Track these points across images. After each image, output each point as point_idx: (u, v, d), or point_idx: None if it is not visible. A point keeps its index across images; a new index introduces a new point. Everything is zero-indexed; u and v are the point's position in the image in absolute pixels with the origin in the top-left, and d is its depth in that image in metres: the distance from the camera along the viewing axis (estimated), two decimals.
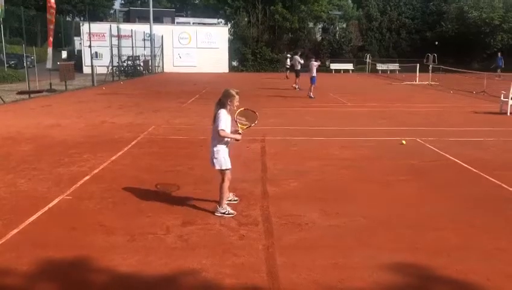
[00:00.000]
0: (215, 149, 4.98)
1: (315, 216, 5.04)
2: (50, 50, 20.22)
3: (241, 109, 5.25)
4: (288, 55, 35.08)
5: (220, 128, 4.86)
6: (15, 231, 4.53)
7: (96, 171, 6.84)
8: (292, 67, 23.86)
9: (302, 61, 23.26)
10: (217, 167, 5.01)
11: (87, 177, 6.49)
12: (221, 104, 4.96)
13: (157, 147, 8.64)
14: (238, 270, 3.76)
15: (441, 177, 6.81)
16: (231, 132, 5.01)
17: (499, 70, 31.72)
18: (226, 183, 5.05)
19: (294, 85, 22.84)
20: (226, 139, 4.97)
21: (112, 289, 3.52)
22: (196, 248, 4.19)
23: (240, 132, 5.10)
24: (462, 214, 5.22)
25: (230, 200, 5.32)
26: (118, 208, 5.23)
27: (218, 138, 4.93)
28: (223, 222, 4.82)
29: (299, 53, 25.54)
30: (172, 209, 5.22)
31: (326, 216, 5.06)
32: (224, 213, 4.99)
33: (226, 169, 5.01)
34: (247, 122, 5.26)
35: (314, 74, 19.29)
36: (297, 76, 22.96)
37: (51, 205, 5.32)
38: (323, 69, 45.09)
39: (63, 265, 3.86)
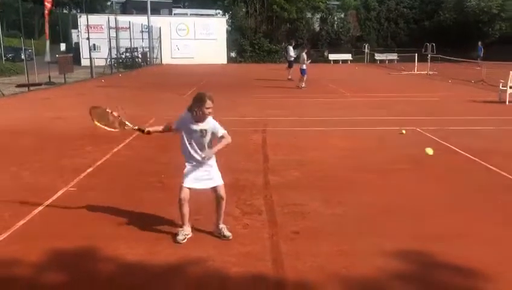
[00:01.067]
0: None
1: (317, 205, 5.10)
2: (48, 43, 20.19)
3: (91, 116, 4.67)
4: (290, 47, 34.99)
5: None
6: (22, 222, 4.59)
7: (99, 162, 6.89)
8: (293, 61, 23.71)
9: (293, 54, 23.21)
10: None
11: (90, 169, 6.54)
12: (189, 108, 4.20)
13: (159, 139, 8.63)
14: (244, 258, 3.83)
15: (441, 166, 6.88)
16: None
17: (478, 59, 31.47)
18: (178, 201, 4.21)
19: (289, 77, 22.72)
20: (189, 150, 4.19)
21: (120, 277, 3.58)
22: (202, 237, 4.25)
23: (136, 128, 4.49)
24: (461, 202, 5.29)
25: (220, 232, 4.30)
26: (122, 199, 5.28)
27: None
28: (227, 211, 4.87)
29: (293, 44, 25.43)
30: (175, 200, 5.26)
31: (328, 205, 5.12)
32: (177, 235, 4.20)
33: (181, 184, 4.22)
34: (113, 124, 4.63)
35: (305, 66, 19.29)
36: (290, 66, 22.94)
37: (55, 196, 5.38)
38: (322, 59, 45.09)
39: (71, 255, 3.92)
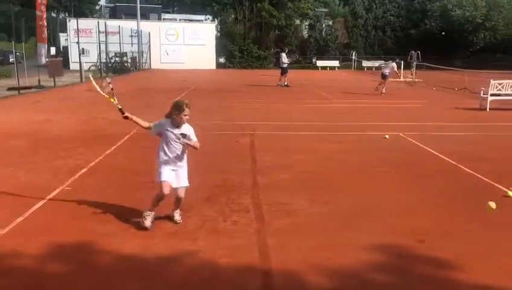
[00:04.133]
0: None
1: (303, 204, 5.39)
2: (43, 46, 20.28)
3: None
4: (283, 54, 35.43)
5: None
6: (20, 218, 4.79)
7: (92, 163, 7.10)
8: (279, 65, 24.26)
9: (286, 61, 23.72)
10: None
11: (84, 170, 6.74)
12: (167, 114, 4.65)
13: (151, 141, 8.82)
14: (232, 251, 4.08)
15: (421, 169, 7.22)
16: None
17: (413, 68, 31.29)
18: (157, 194, 4.61)
19: (284, 82, 23.01)
20: (166, 152, 4.60)
21: (115, 268, 3.81)
22: (192, 232, 4.50)
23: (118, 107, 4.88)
24: (438, 202, 5.61)
25: (172, 216, 4.80)
26: (116, 198, 5.50)
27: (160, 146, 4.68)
28: (217, 209, 5.14)
29: (286, 50, 25.89)
30: (168, 198, 5.50)
31: (314, 204, 5.41)
32: (144, 219, 4.56)
33: (160, 180, 4.61)
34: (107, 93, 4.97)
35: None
36: (284, 73, 23.28)
37: (51, 195, 5.58)
38: (310, 66, 45.61)
39: (68, 248, 4.14)
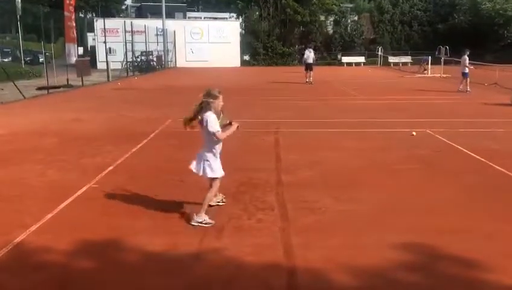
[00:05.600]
0: (208, 155, 4.68)
1: (328, 202, 5.35)
2: (73, 46, 20.74)
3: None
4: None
5: (215, 130, 4.55)
6: (50, 215, 4.91)
7: (119, 161, 7.22)
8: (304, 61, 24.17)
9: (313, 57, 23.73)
10: (210, 175, 4.69)
11: (111, 168, 6.86)
12: (207, 105, 4.63)
13: (175, 140, 8.99)
14: (257, 249, 4.09)
15: (449, 166, 7.07)
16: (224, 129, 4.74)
17: (425, 63, 30.25)
18: (213, 193, 4.82)
19: (309, 79, 22.86)
20: (218, 145, 4.72)
21: (142, 264, 3.87)
22: (218, 230, 4.52)
23: (232, 122, 4.87)
24: (467, 200, 5.49)
25: (218, 202, 5.19)
26: (142, 196, 5.58)
27: (212, 143, 4.67)
28: (242, 207, 5.16)
29: (312, 47, 25.81)
30: (193, 196, 5.54)
31: (339, 202, 5.37)
32: (201, 223, 4.62)
33: (217, 177, 4.75)
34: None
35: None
36: (310, 70, 23.10)
37: (79, 192, 5.70)
38: (335, 62, 45.25)
39: (97, 244, 4.22)
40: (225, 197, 5.33)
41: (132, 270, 3.77)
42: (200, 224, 4.60)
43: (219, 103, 4.68)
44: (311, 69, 22.92)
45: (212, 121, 4.55)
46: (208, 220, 4.65)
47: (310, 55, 23.22)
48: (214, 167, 4.67)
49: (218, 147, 4.74)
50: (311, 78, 22.66)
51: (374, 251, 4.08)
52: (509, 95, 14.73)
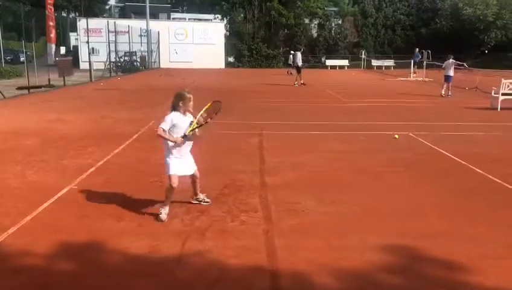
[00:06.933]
0: (166, 153, 4.86)
1: (311, 204, 5.35)
2: (52, 46, 20.44)
3: (208, 104, 5.10)
4: (292, 52, 35.62)
5: (160, 126, 4.72)
6: (29, 217, 4.81)
7: (100, 163, 7.12)
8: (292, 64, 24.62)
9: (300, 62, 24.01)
10: (166, 171, 4.87)
11: (92, 169, 6.77)
12: (173, 106, 4.82)
13: (158, 141, 8.90)
14: (240, 251, 4.07)
15: (431, 169, 7.14)
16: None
17: (415, 66, 30.43)
18: (168, 189, 4.84)
19: (301, 82, 23.01)
20: (173, 143, 4.75)
21: (123, 267, 3.81)
22: (200, 232, 4.49)
23: (186, 133, 4.78)
24: (448, 203, 5.54)
25: (200, 201, 5.24)
26: (124, 197, 5.51)
27: (165, 141, 4.79)
28: (225, 209, 5.13)
29: (302, 50, 26.09)
30: (176, 198, 5.50)
31: (322, 204, 5.37)
32: (160, 213, 4.80)
33: (169, 174, 4.81)
34: (203, 120, 4.91)
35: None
36: (299, 72, 23.31)
37: (60, 194, 5.60)
38: (319, 65, 45.50)
39: (77, 247, 4.15)
40: (207, 196, 5.34)
41: (113, 273, 3.71)
42: (159, 214, 4.80)
43: (188, 103, 4.81)
44: (299, 72, 23.23)
45: (165, 119, 4.76)
46: (163, 216, 4.79)
47: (299, 58, 23.67)
48: (167, 164, 4.83)
49: (178, 148, 4.79)
50: (301, 80, 22.87)
51: (357, 253, 4.09)
52: (489, 99, 14.97)
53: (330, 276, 3.69)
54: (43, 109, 13.39)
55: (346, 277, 3.70)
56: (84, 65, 31.30)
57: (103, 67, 27.68)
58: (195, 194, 5.23)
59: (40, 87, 18.69)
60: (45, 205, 5.21)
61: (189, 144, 4.92)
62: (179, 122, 4.80)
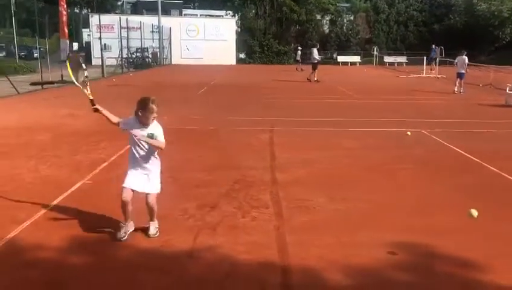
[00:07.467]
0: None
1: (322, 201, 5.34)
2: (66, 41, 20.63)
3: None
4: (299, 48, 35.62)
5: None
6: (42, 211, 4.87)
7: (113, 158, 7.17)
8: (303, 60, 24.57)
9: (318, 57, 23.90)
10: None
11: (105, 164, 6.82)
12: (135, 113, 4.18)
13: (170, 137, 8.90)
14: (251, 247, 4.08)
15: (444, 166, 7.09)
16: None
17: (433, 62, 29.98)
18: (121, 201, 4.20)
19: (315, 78, 22.91)
20: (132, 154, 4.24)
21: (135, 262, 3.84)
22: (211, 227, 4.51)
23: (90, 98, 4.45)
24: (461, 200, 5.48)
25: (148, 232, 4.32)
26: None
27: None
28: (236, 205, 5.14)
29: (318, 46, 26.00)
30: (187, 193, 5.54)
31: (333, 201, 5.36)
32: (117, 232, 4.22)
33: (122, 185, 4.22)
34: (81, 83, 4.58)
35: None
36: (314, 68, 23.20)
37: (73, 188, 5.66)
38: (330, 61, 45.32)
39: (90, 241, 4.19)
40: (157, 229, 4.34)
41: (125, 267, 3.74)
42: (116, 234, 4.19)
43: (147, 115, 4.08)
44: (315, 68, 23.10)
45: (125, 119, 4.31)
46: (119, 234, 4.17)
47: (316, 53, 23.70)
48: (126, 173, 4.27)
49: (138, 157, 4.21)
50: (315, 77, 22.78)
51: (368, 250, 4.07)
52: (504, 96, 14.79)
53: (341, 272, 3.68)
54: (56, 104, 13.53)
55: (357, 274, 3.69)
56: (96, 61, 31.52)
57: (115, 63, 27.84)
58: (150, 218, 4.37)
59: (53, 83, 18.87)
60: (58, 199, 5.27)
61: (145, 157, 4.21)
62: (131, 129, 4.16)
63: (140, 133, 4.11)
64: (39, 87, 17.73)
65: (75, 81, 4.67)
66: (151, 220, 4.35)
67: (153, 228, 4.32)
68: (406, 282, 3.62)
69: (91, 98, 4.48)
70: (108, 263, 3.81)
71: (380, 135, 9.41)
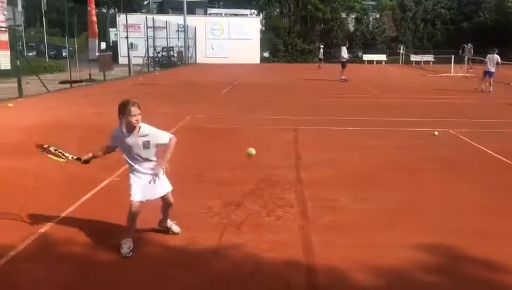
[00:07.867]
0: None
1: (347, 201, 5.31)
2: (95, 40, 21.06)
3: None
4: (322, 46, 35.38)
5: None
6: (72, 207, 5.00)
7: None
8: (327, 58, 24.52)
9: (346, 56, 23.88)
10: None
11: None
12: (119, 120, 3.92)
13: (195, 135, 9.05)
14: (276, 245, 4.09)
15: (472, 167, 6.95)
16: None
17: (469, 61, 28.91)
18: (128, 215, 3.96)
19: (342, 77, 22.76)
20: (134, 162, 4.02)
21: (162, 258, 3.91)
22: (236, 225, 4.54)
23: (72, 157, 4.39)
24: (489, 202, 5.38)
25: (168, 228, 4.33)
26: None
27: (128, 159, 4.06)
28: (261, 204, 5.16)
29: (347, 44, 25.92)
30: (212, 191, 5.59)
31: (358, 201, 5.32)
32: (121, 247, 3.89)
33: (130, 199, 3.94)
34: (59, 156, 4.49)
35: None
36: (344, 67, 23.05)
37: (101, 185, 5.79)
38: (356, 60, 44.89)
39: (117, 237, 4.25)
40: (177, 224, 4.38)
41: (152, 263, 3.80)
42: (121, 249, 3.89)
43: (127, 118, 3.84)
44: (344, 66, 23.01)
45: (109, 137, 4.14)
46: (126, 250, 3.87)
47: (345, 52, 23.68)
48: (129, 185, 4.01)
49: (136, 165, 4.00)
50: (342, 76, 22.62)
51: (393, 251, 4.04)
52: None
53: (367, 273, 3.66)
54: (84, 102, 13.81)
55: (383, 275, 3.66)
56: (123, 60, 32.01)
57: (141, 62, 28.22)
58: (164, 219, 4.33)
59: (81, 81, 19.27)
60: (87, 196, 5.39)
61: (144, 162, 4.01)
62: (120, 141, 4.00)
63: (136, 142, 3.92)
64: (68, 85, 18.13)
65: (69, 158, 4.50)
66: (170, 218, 4.33)
67: (175, 225, 4.34)
68: (431, 283, 3.58)
69: (76, 157, 4.38)
70: (136, 258, 3.88)
71: (407, 135, 9.29)
